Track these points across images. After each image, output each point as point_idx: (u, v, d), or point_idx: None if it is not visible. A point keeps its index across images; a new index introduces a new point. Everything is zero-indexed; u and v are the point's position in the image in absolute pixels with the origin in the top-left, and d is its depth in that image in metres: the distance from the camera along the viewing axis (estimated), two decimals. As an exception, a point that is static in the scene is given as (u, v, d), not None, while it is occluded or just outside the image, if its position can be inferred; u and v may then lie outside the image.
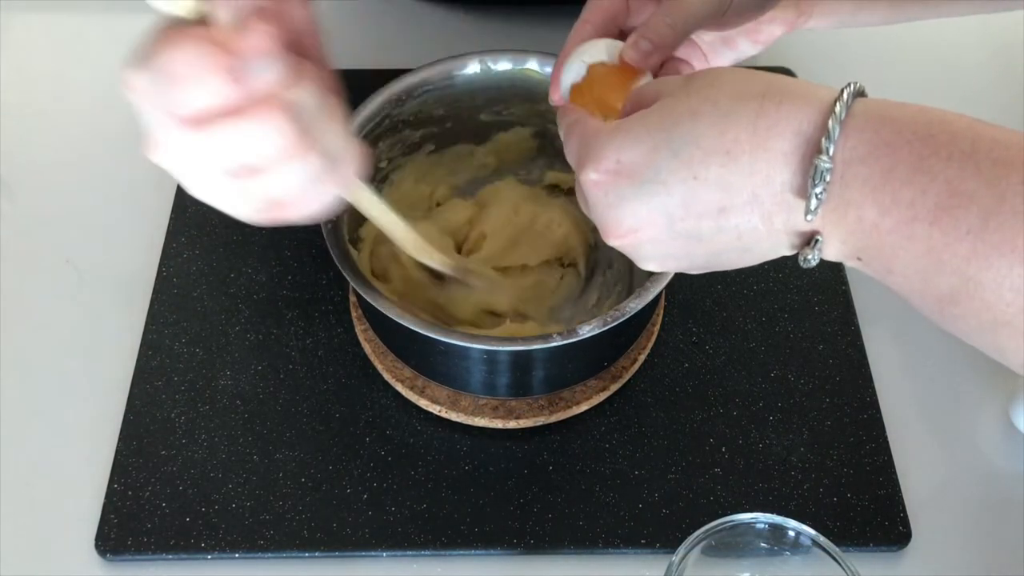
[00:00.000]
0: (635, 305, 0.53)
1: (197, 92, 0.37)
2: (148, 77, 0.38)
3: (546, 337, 0.52)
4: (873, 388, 0.61)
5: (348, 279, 0.54)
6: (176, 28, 0.37)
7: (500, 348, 0.54)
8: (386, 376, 0.60)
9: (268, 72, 0.37)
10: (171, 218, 0.68)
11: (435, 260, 0.57)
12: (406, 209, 0.64)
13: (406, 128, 0.63)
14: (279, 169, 0.39)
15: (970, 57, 0.79)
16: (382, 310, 0.53)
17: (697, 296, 0.64)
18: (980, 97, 0.77)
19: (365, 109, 0.60)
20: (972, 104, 0.76)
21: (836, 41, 0.79)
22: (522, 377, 0.57)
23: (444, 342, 0.53)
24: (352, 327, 0.62)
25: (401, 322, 0.52)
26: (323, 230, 0.55)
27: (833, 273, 0.65)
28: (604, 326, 0.52)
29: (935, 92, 0.77)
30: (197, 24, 0.37)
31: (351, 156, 0.42)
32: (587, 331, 0.52)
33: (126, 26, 0.82)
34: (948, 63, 0.79)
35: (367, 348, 0.61)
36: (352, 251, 0.57)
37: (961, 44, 0.80)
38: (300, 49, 0.39)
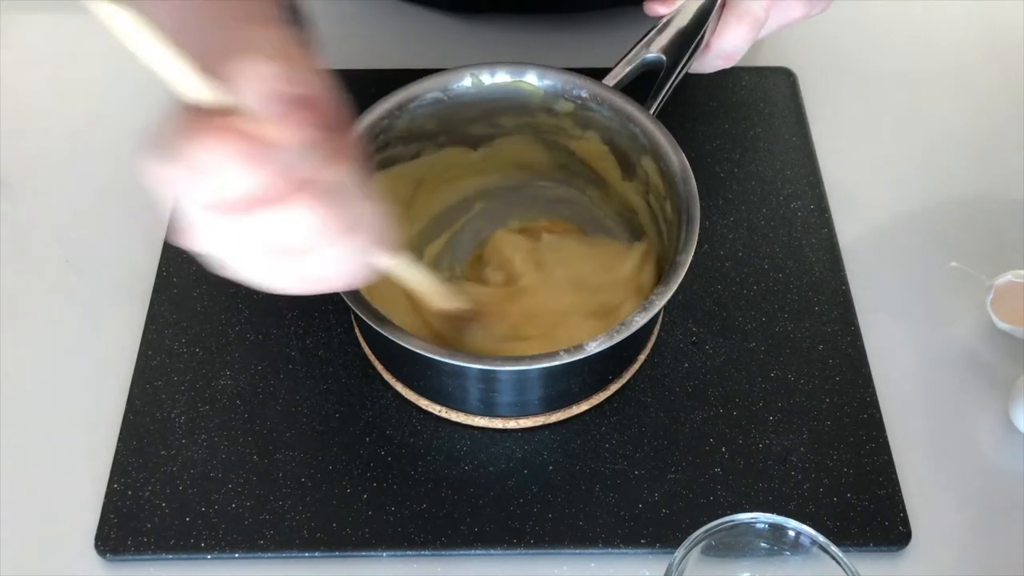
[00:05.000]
0: (640, 319, 0.53)
1: (229, 184, 0.36)
2: (173, 168, 0.37)
3: (551, 355, 0.52)
4: (873, 388, 0.61)
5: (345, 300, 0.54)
6: (200, 116, 0.36)
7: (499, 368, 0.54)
8: (386, 376, 0.60)
9: (305, 160, 0.37)
10: (171, 218, 0.68)
11: (458, 304, 0.57)
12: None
13: (399, 144, 0.63)
14: (321, 251, 0.39)
15: (969, 54, 0.79)
16: (394, 338, 0.53)
17: (697, 296, 0.64)
18: (980, 94, 0.77)
19: (359, 127, 0.59)
20: (972, 100, 0.77)
21: (836, 41, 0.79)
22: (523, 396, 0.57)
23: (441, 361, 0.53)
24: (352, 327, 0.62)
25: (406, 345, 0.52)
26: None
27: (833, 273, 0.65)
28: (610, 340, 0.52)
29: (934, 90, 0.77)
30: (220, 111, 0.36)
31: (387, 227, 0.42)
32: (593, 347, 0.52)
33: (126, 26, 0.82)
34: (947, 60, 0.79)
35: (367, 348, 0.61)
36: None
37: (960, 42, 0.80)
38: (325, 121, 0.38)
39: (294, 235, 0.38)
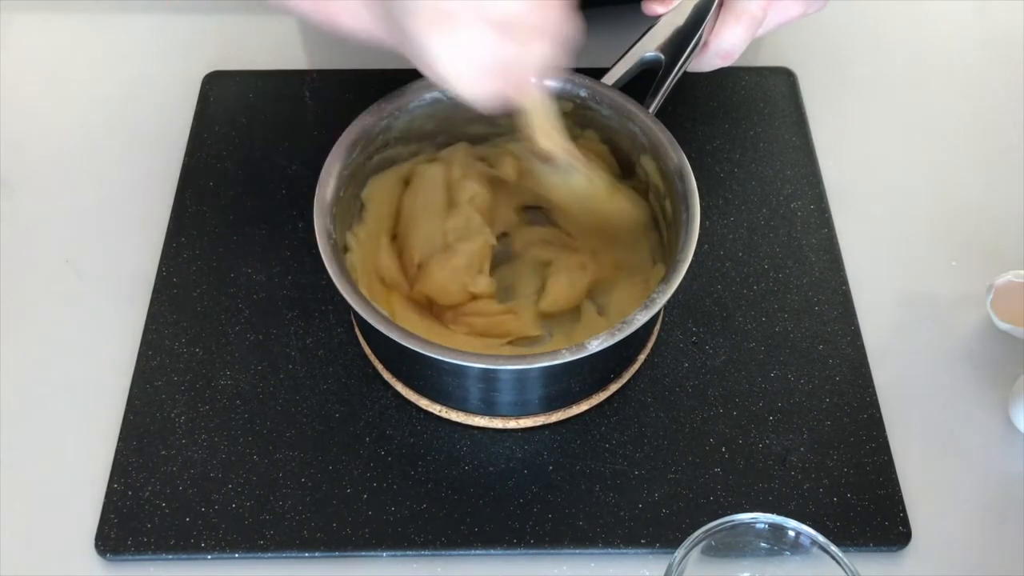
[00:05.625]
0: (642, 317, 0.53)
1: None
2: None
3: (552, 354, 0.52)
4: (873, 388, 0.61)
5: (339, 288, 0.54)
6: None
7: (500, 367, 0.54)
8: (386, 376, 0.60)
9: None
10: (171, 218, 0.68)
11: (559, 146, 0.59)
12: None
13: (399, 144, 0.63)
14: (529, 42, 0.50)
15: (969, 54, 0.79)
16: (391, 335, 0.53)
17: (697, 296, 0.64)
18: (980, 94, 0.77)
19: (355, 128, 0.59)
20: (972, 100, 0.77)
21: (836, 41, 0.79)
22: (523, 396, 0.57)
23: (442, 360, 0.53)
24: (352, 327, 0.62)
25: (406, 345, 0.52)
26: (319, 245, 0.55)
27: (833, 273, 0.65)
28: (612, 339, 0.52)
29: (934, 90, 0.77)
30: None
31: (566, 42, 0.52)
32: (595, 345, 0.52)
33: (126, 26, 0.83)
34: (947, 60, 0.79)
35: (367, 348, 0.61)
36: (346, 260, 0.58)
37: (960, 42, 0.80)
38: None
39: (514, 13, 0.48)
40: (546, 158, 0.59)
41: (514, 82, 0.52)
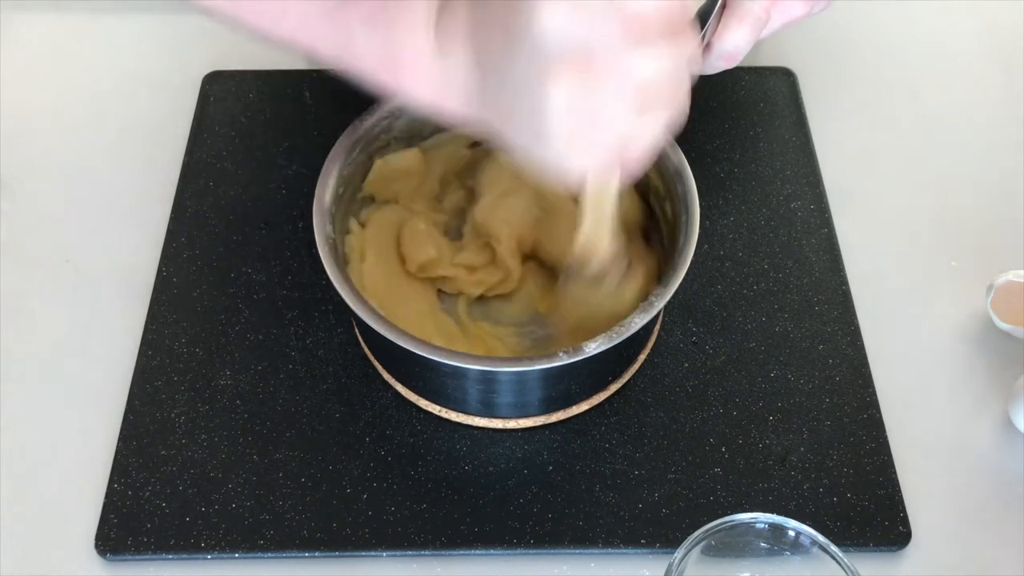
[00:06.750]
0: (640, 320, 0.53)
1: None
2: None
3: (551, 356, 0.52)
4: (873, 388, 0.61)
5: (339, 290, 0.54)
6: None
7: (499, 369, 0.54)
8: (386, 376, 0.60)
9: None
10: (171, 218, 0.68)
11: (603, 251, 0.54)
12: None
13: (399, 145, 0.63)
14: (661, 110, 0.44)
15: (968, 53, 0.79)
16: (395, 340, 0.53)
17: (697, 296, 0.64)
18: (980, 94, 0.77)
19: (355, 128, 0.60)
20: (972, 100, 0.77)
21: (836, 41, 0.79)
22: (523, 397, 0.57)
23: (441, 363, 0.53)
24: (352, 327, 0.62)
25: (405, 346, 0.52)
26: (318, 246, 0.55)
27: (833, 273, 0.65)
28: (610, 342, 0.52)
29: (934, 90, 0.77)
30: None
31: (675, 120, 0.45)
32: (593, 348, 0.52)
33: (126, 26, 0.83)
34: (947, 60, 0.79)
35: (367, 348, 0.61)
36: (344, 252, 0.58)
37: (960, 42, 0.80)
38: None
39: (669, 75, 0.42)
40: (581, 263, 0.55)
41: (622, 157, 0.44)
